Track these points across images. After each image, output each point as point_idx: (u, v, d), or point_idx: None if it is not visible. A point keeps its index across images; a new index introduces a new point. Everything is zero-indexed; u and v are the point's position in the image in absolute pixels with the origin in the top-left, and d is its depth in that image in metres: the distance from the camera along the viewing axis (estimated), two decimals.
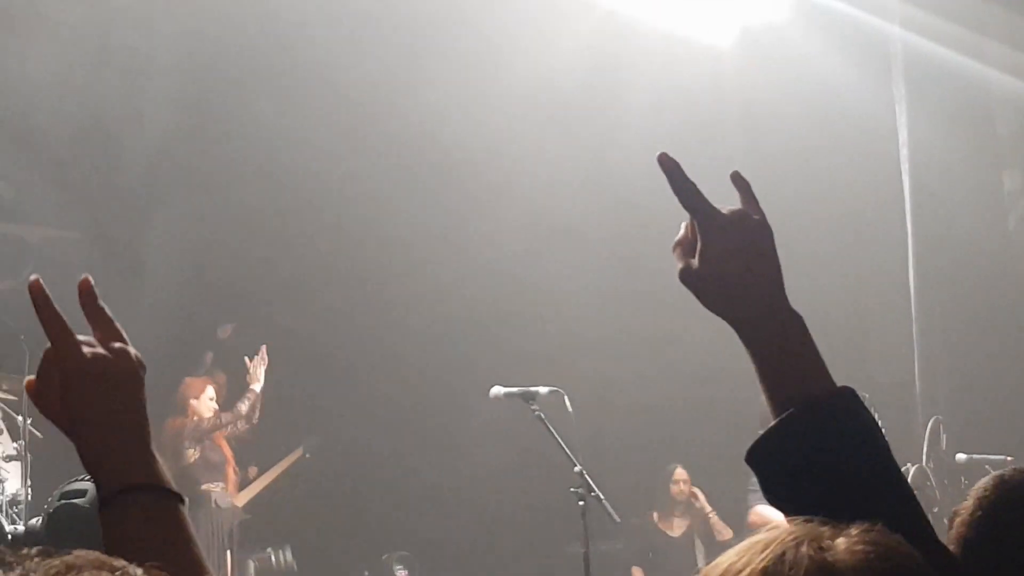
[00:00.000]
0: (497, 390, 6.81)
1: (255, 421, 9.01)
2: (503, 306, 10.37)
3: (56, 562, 1.03)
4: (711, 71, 10.33)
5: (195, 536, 1.50)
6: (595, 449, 7.20)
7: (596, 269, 10.66)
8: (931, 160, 10.04)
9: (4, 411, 8.39)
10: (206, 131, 10.14)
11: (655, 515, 9.28)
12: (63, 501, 3.39)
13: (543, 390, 6.69)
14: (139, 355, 1.55)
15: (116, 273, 9.11)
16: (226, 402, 9.11)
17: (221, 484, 8.93)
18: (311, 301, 10.41)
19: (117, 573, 1.05)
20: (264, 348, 9.16)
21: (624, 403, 10.16)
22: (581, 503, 6.36)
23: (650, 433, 9.97)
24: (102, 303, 1.57)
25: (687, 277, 1.74)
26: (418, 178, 10.37)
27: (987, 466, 7.18)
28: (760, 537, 1.19)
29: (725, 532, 8.91)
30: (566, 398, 6.64)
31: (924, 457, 8.02)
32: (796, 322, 1.71)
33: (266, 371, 9.12)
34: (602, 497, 6.39)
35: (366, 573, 9.79)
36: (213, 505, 8.77)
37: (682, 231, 1.79)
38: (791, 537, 1.17)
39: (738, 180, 1.86)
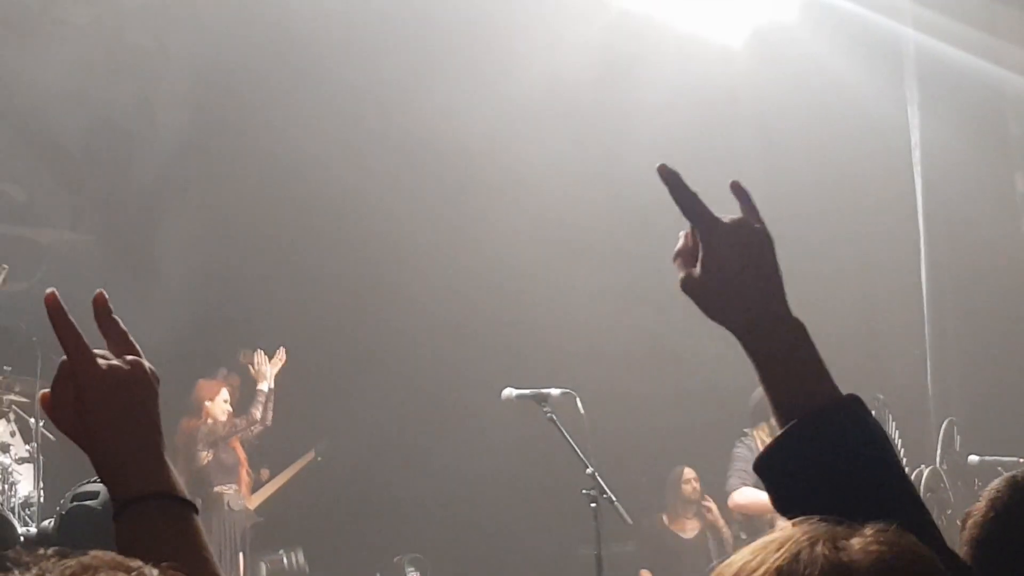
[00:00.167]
0: (509, 392, 6.82)
1: (269, 423, 9.01)
2: (516, 308, 10.37)
3: (72, 562, 1.04)
4: (723, 71, 10.32)
5: (208, 545, 1.51)
6: (607, 451, 7.18)
7: (609, 270, 10.65)
8: (943, 161, 10.02)
9: (17, 414, 8.42)
10: (219, 134, 10.16)
11: (664, 517, 9.25)
12: (75, 503, 3.40)
13: (555, 392, 6.69)
14: (153, 368, 1.57)
15: (128, 276, 9.14)
16: (239, 405, 9.12)
17: (234, 486, 8.93)
18: (323, 303, 10.41)
19: (133, 573, 1.06)
20: (282, 350, 9.17)
21: (637, 405, 10.14)
22: (593, 505, 6.36)
23: (662, 435, 9.96)
24: (116, 316, 1.59)
25: (689, 286, 1.75)
26: (431, 180, 10.38)
27: (1000, 468, 7.17)
28: (775, 536, 1.19)
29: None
30: (578, 400, 6.64)
31: (938, 459, 8.01)
32: (798, 330, 1.72)
33: (278, 373, 9.12)
34: (614, 499, 6.39)
35: (378, 575, 9.79)
36: (226, 507, 8.78)
37: (681, 240, 1.79)
38: (806, 536, 1.17)
39: (738, 190, 1.84)
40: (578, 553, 8.40)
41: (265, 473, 9.72)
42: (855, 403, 1.64)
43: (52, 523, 3.58)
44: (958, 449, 8.16)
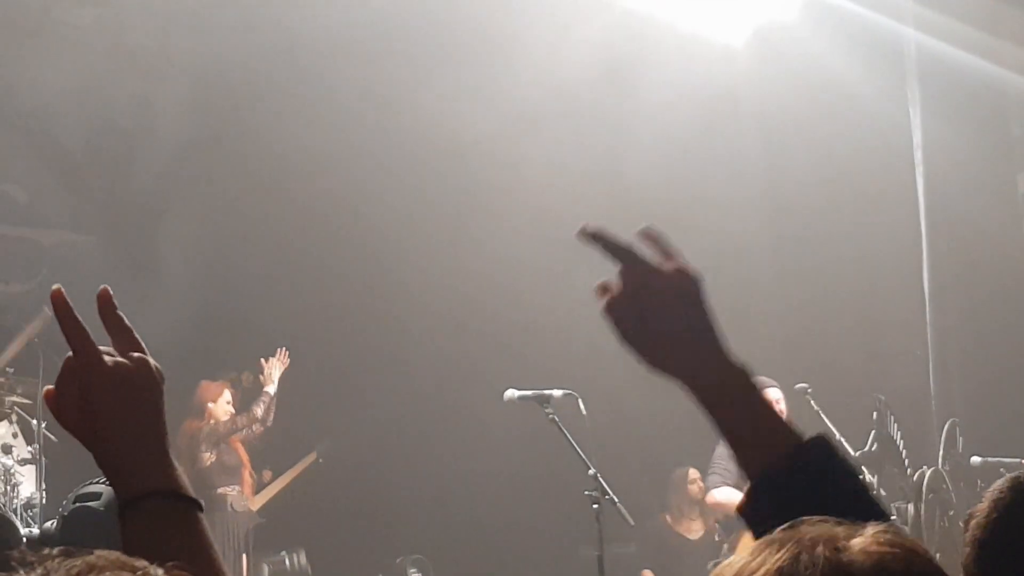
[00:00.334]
0: (511, 393, 6.82)
1: (269, 423, 9.03)
2: (518, 309, 10.37)
3: (77, 562, 1.04)
4: (724, 71, 10.33)
5: (214, 542, 1.51)
6: (609, 452, 7.18)
7: (611, 271, 10.63)
8: (945, 162, 10.02)
9: (19, 415, 8.42)
10: (219, 135, 10.17)
11: (668, 518, 9.24)
12: (78, 504, 3.40)
13: (557, 393, 6.69)
14: (158, 365, 1.56)
15: (130, 276, 9.14)
16: (242, 405, 9.13)
17: (237, 487, 8.94)
18: (324, 305, 10.41)
19: (138, 573, 1.06)
20: (284, 351, 9.18)
21: (639, 406, 10.13)
22: (595, 506, 6.36)
23: (665, 436, 9.95)
24: (120, 313, 1.58)
25: (631, 339, 1.71)
26: (433, 180, 10.38)
27: (1002, 469, 7.17)
28: (775, 537, 1.19)
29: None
30: (580, 401, 6.64)
31: (940, 460, 8.01)
32: (746, 376, 1.68)
33: (280, 375, 9.13)
34: (616, 500, 6.39)
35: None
36: (229, 508, 8.78)
37: (611, 289, 1.77)
38: (807, 538, 1.17)
39: (649, 235, 1.80)
40: (580, 554, 8.39)
41: (267, 474, 9.73)
42: (822, 443, 1.62)
43: (54, 524, 3.58)
44: (960, 450, 8.16)
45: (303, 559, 9.55)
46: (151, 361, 1.55)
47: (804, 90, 10.23)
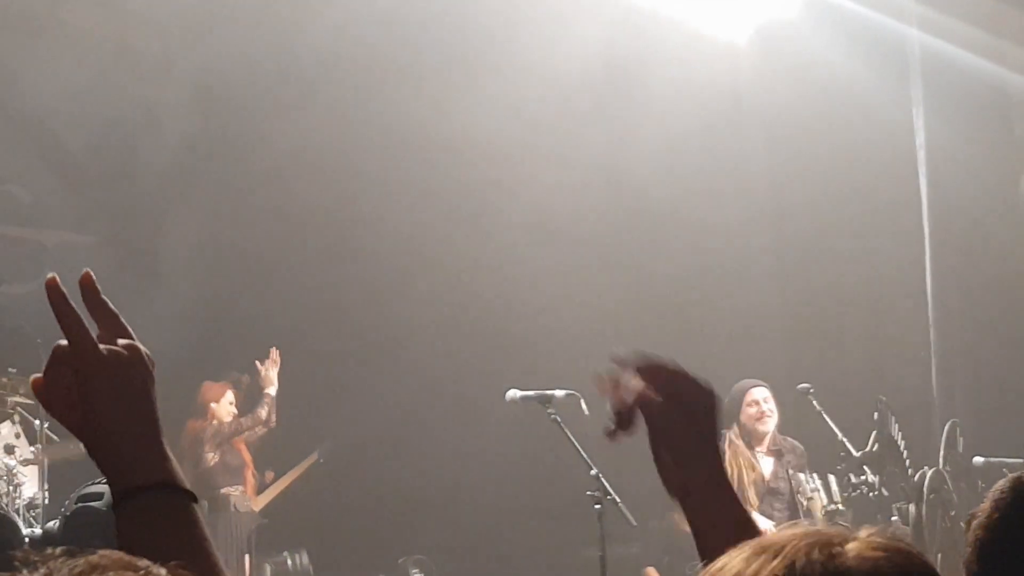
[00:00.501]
0: (513, 393, 6.82)
1: (272, 424, 9.03)
2: (519, 309, 10.37)
3: (80, 562, 1.03)
4: (728, 69, 10.33)
5: (209, 535, 1.48)
6: (611, 453, 7.17)
7: (614, 270, 10.65)
8: (949, 163, 10.01)
9: (22, 415, 8.43)
10: (222, 136, 10.18)
11: (676, 517, 9.23)
12: (80, 504, 3.40)
13: (559, 393, 6.69)
14: (148, 351, 1.53)
15: (133, 277, 9.14)
16: (244, 406, 9.13)
17: (240, 488, 8.95)
18: (326, 305, 10.41)
19: (141, 573, 1.05)
20: (274, 350, 9.16)
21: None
22: (597, 506, 6.36)
23: None
24: (105, 297, 1.55)
25: (658, 444, 1.73)
26: (433, 180, 10.37)
27: (1005, 469, 7.16)
28: (769, 541, 1.18)
29: None
30: (582, 401, 6.64)
31: (941, 460, 8.01)
32: (731, 489, 1.71)
33: (280, 375, 9.13)
34: (618, 500, 6.39)
35: None
36: (232, 509, 8.79)
37: (647, 392, 1.74)
38: (802, 543, 1.16)
39: (633, 364, 1.79)
40: (582, 554, 8.39)
41: (269, 475, 9.73)
42: None
43: (57, 524, 3.59)
44: (961, 451, 8.16)
45: (305, 559, 9.56)
46: (141, 347, 1.52)
47: (807, 89, 10.22)
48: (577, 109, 10.42)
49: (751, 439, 8.06)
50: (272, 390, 9.06)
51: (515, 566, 9.95)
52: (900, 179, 10.26)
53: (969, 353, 10.04)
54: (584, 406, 6.61)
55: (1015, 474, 2.28)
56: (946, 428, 8.26)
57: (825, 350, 10.19)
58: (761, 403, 8.06)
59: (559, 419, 6.54)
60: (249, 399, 9.18)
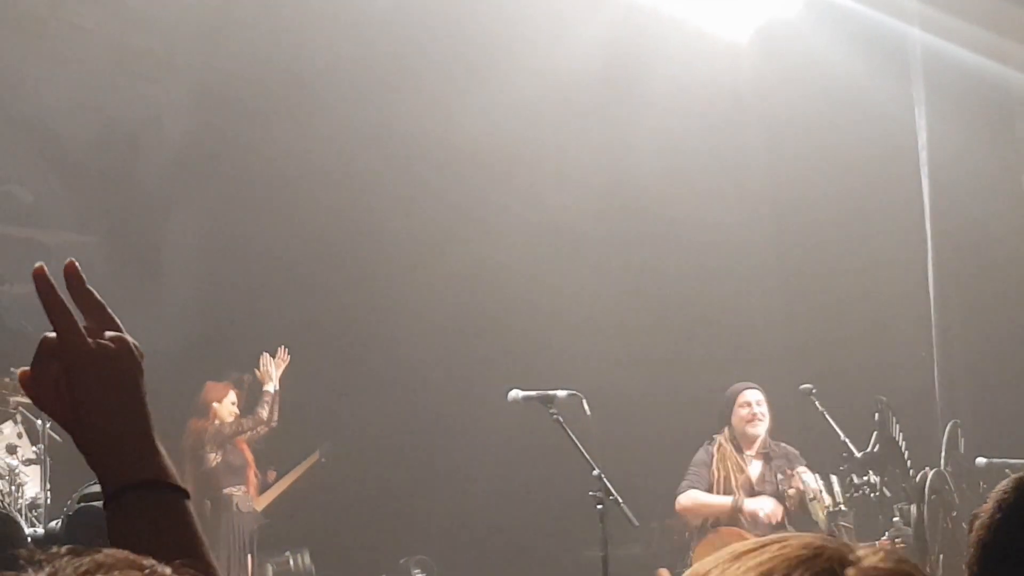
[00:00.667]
0: (515, 393, 6.81)
1: (274, 423, 9.03)
2: (522, 309, 10.37)
3: (86, 561, 1.03)
4: (729, 68, 10.33)
5: (202, 533, 1.46)
6: (614, 453, 7.18)
7: (616, 270, 10.66)
8: (951, 162, 10.00)
9: (24, 415, 8.43)
10: (223, 135, 10.18)
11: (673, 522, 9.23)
12: (81, 504, 3.41)
13: (561, 393, 6.69)
14: (137, 344, 1.50)
15: (134, 277, 9.15)
16: (246, 406, 9.13)
17: (242, 487, 8.94)
18: (328, 305, 10.42)
19: (146, 572, 1.05)
20: (283, 349, 9.18)
21: (643, 407, 10.14)
22: (600, 507, 6.36)
23: (669, 437, 9.95)
24: (91, 287, 1.53)
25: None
26: (435, 179, 10.38)
27: (1007, 470, 7.15)
28: (768, 557, 1.13)
29: None
30: (584, 401, 6.64)
31: (942, 461, 8.00)
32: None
33: (283, 374, 9.14)
34: (621, 501, 6.38)
35: None
36: (235, 508, 8.78)
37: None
38: (811, 554, 1.12)
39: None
40: (584, 555, 8.39)
41: (271, 475, 9.74)
42: None
43: (59, 524, 3.60)
44: (962, 451, 8.15)
45: (307, 559, 9.56)
46: (129, 339, 1.49)
47: (808, 89, 10.22)
48: (577, 109, 10.43)
49: (741, 442, 8.05)
50: (271, 387, 9.05)
51: (517, 566, 9.95)
52: (901, 179, 10.25)
53: (971, 353, 10.03)
54: (586, 406, 6.61)
55: (1018, 474, 2.28)
56: (948, 429, 8.25)
57: (827, 350, 10.19)
58: (753, 405, 8.05)
59: (561, 419, 6.54)
60: (252, 399, 9.18)
